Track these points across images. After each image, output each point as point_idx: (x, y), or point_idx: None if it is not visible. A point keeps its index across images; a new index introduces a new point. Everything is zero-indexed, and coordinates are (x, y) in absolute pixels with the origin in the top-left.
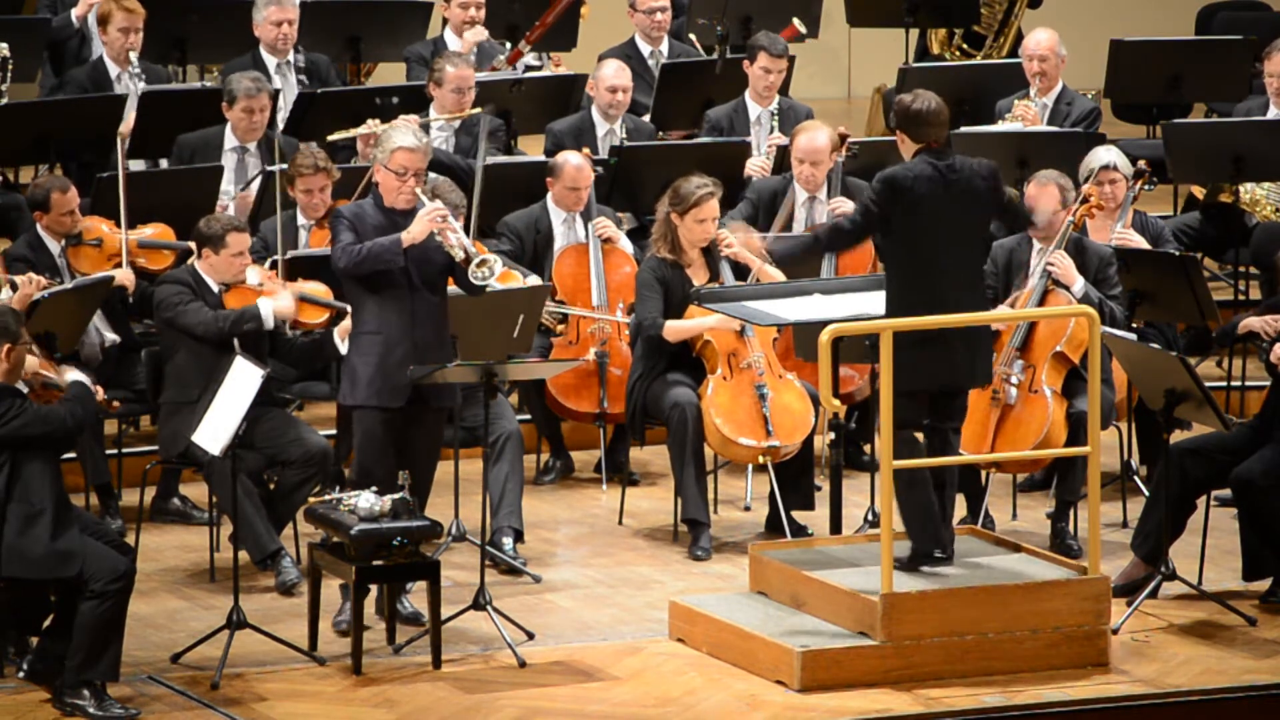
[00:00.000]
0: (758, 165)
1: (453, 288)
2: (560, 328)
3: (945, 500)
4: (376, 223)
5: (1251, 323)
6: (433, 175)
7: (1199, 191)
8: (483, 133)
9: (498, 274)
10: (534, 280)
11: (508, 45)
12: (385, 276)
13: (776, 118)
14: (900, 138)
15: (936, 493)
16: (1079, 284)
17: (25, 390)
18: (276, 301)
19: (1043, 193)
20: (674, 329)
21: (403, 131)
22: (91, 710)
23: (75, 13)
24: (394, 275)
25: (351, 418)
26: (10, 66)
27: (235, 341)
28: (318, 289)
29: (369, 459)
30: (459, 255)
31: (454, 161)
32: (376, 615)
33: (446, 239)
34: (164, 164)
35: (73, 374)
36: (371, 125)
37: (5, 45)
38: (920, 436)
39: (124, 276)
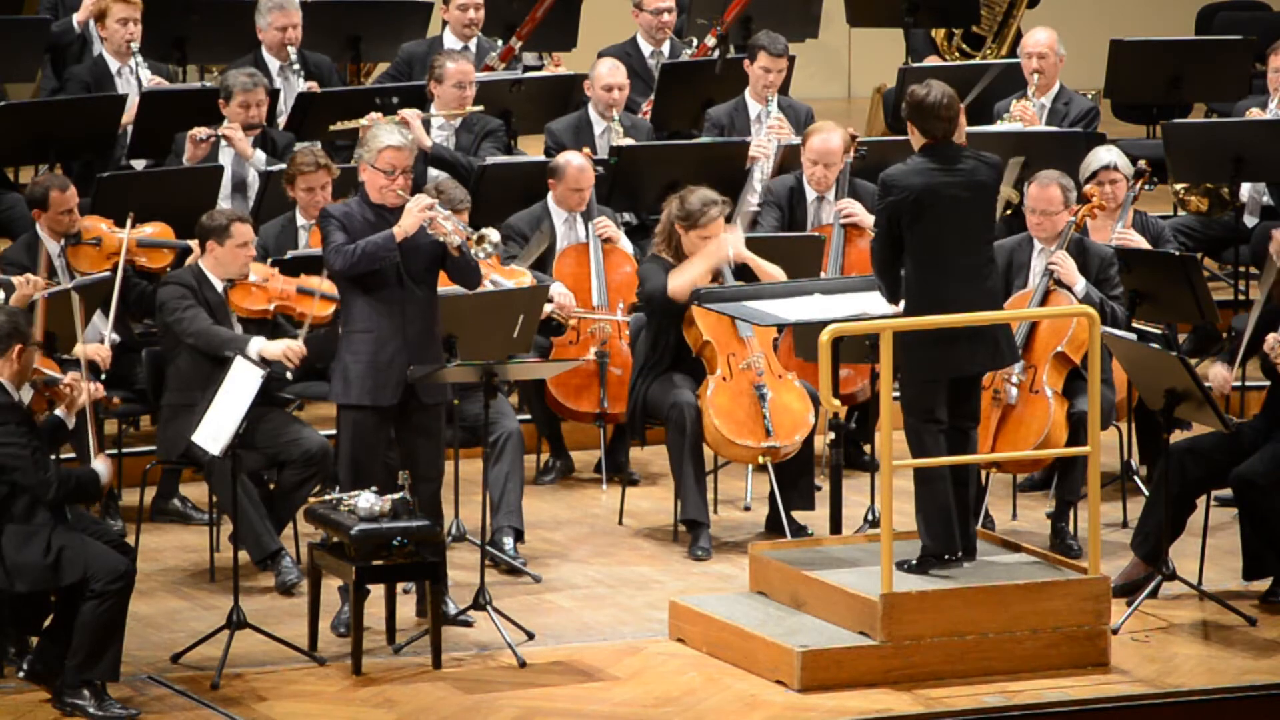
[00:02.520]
0: (759, 145)
1: (451, 287)
2: (571, 321)
3: (967, 498)
4: (366, 220)
5: (1270, 340)
6: (434, 172)
7: (1201, 205)
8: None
9: (496, 241)
10: (559, 288)
11: (499, 43)
12: (376, 274)
13: (774, 103)
14: (910, 129)
15: (958, 490)
16: (1080, 284)
17: (31, 391)
18: (271, 344)
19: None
20: (676, 284)
21: (388, 130)
22: (91, 710)
23: (77, 18)
24: (384, 272)
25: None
26: None
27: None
28: (322, 283)
29: (360, 458)
30: (454, 242)
31: (455, 158)
32: (417, 618)
33: (439, 228)
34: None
35: (100, 463)
36: (373, 117)
37: None
38: (940, 436)
39: (100, 352)
